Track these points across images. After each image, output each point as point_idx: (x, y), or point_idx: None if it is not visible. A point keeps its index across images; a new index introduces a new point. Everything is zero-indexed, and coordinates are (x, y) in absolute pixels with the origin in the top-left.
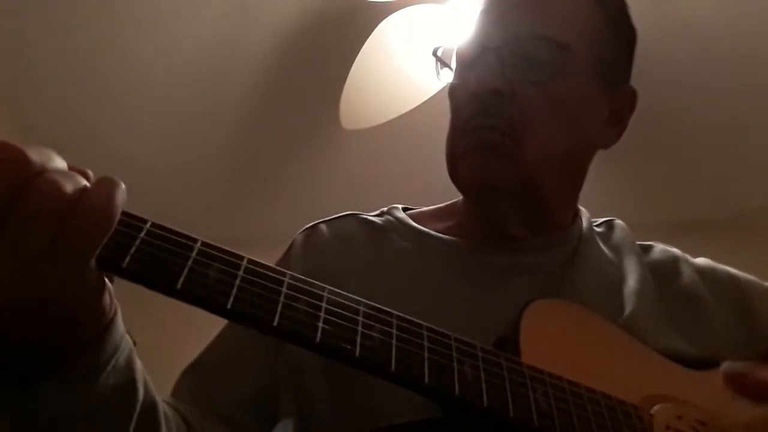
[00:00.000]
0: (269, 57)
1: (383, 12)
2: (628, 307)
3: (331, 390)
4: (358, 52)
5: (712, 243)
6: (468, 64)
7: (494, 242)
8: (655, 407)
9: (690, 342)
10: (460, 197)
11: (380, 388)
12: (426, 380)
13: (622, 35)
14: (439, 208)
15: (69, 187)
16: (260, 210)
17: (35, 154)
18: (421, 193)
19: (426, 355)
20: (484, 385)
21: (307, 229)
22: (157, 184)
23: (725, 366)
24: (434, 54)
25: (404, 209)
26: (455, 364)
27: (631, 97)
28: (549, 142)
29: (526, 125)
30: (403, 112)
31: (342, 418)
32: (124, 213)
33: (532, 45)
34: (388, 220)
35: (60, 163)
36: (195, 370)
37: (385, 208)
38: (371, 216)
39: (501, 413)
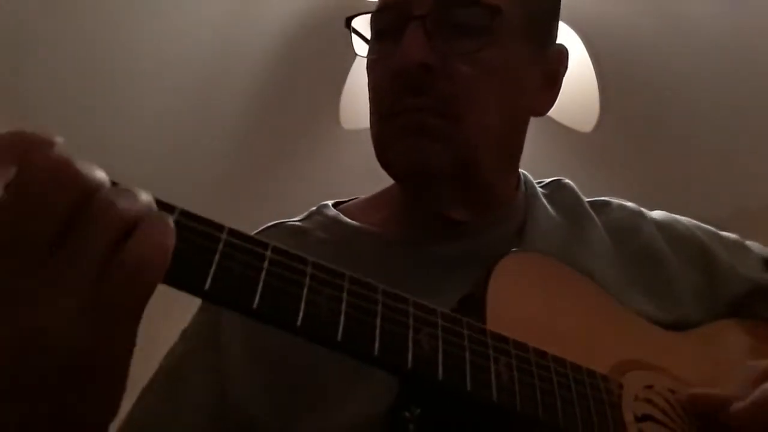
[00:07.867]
0: (269, 56)
1: None
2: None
3: (278, 420)
4: None
5: None
6: (387, 36)
7: (434, 230)
8: (625, 376)
9: (652, 301)
10: None
11: (328, 416)
12: (375, 352)
13: None
14: (373, 196)
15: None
16: (260, 209)
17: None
18: None
19: (378, 323)
20: (440, 357)
21: None
22: (157, 182)
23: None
24: (348, 25)
25: (336, 204)
26: (411, 332)
27: (563, 56)
28: (487, 117)
29: (461, 102)
30: None
31: None
32: None
33: (462, 11)
34: (316, 220)
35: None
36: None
37: (314, 208)
38: (296, 220)
39: (457, 387)
